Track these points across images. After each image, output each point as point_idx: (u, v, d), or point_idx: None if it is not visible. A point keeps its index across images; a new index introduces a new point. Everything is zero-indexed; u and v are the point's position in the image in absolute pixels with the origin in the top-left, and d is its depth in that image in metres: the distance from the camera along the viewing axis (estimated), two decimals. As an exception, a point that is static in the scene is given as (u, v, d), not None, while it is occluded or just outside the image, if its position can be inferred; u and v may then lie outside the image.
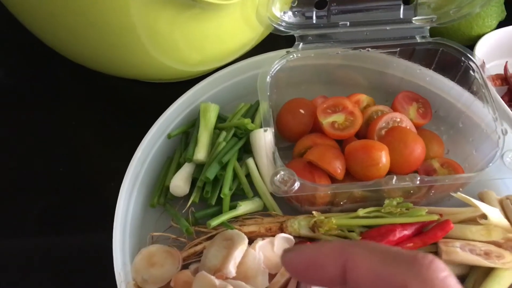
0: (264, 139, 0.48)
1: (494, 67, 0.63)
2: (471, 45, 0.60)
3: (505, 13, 0.62)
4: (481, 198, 0.50)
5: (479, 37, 0.59)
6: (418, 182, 0.43)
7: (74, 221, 0.54)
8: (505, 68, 0.61)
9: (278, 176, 0.43)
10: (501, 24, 0.62)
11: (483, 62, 0.61)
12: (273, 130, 0.46)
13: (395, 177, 0.43)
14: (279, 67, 0.50)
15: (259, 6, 0.46)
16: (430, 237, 0.46)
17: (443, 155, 0.55)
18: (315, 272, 0.23)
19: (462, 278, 0.47)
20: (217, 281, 0.42)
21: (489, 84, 0.55)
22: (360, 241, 0.21)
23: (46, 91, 0.64)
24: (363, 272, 0.21)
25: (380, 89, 0.58)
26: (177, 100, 0.54)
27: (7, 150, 0.60)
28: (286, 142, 0.56)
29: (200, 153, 0.52)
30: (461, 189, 0.50)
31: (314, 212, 0.48)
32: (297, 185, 0.42)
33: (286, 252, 0.24)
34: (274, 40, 0.57)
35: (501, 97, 0.60)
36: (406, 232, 0.47)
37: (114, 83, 0.63)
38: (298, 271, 0.23)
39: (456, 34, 0.61)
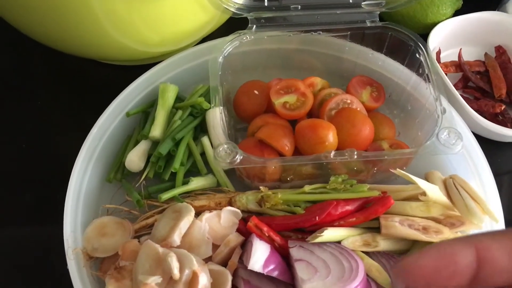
0: (214, 116, 0.49)
1: (450, 55, 0.65)
2: (427, 32, 0.61)
3: (461, 2, 0.63)
4: (427, 178, 0.52)
5: (434, 24, 0.61)
6: (355, 157, 0.45)
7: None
8: (459, 55, 0.63)
9: (221, 149, 0.44)
10: (457, 13, 0.63)
11: (439, 49, 0.63)
12: (221, 108, 0.48)
13: (333, 152, 0.45)
14: (231, 49, 0.52)
15: (208, -13, 0.48)
16: (371, 212, 0.48)
17: (395, 137, 0.56)
18: (446, 271, 0.20)
19: (403, 253, 0.49)
20: (160, 249, 0.44)
21: (437, 66, 0.57)
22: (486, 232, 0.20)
23: (13, 72, 0.66)
24: (501, 260, 0.20)
25: (337, 74, 0.60)
26: (137, 79, 0.56)
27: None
28: (243, 123, 0.58)
29: (156, 131, 0.53)
30: (404, 168, 0.51)
31: (261, 187, 0.50)
32: (238, 157, 0.44)
33: (405, 260, 0.21)
34: (241, 27, 0.59)
35: (456, 83, 0.62)
36: (349, 207, 0.48)
37: (79, 65, 0.65)
38: (426, 274, 0.21)
39: (412, 21, 0.62)
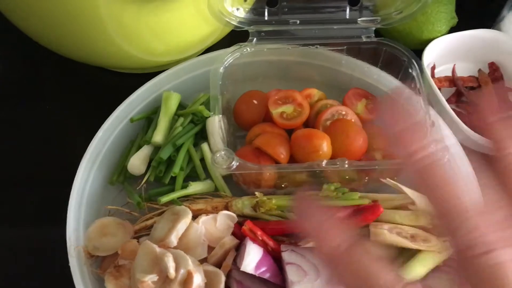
0: (213, 124, 0.52)
1: (445, 71, 0.67)
2: (422, 48, 0.63)
3: (456, 20, 0.66)
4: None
5: (429, 41, 0.63)
6: (346, 166, 0.47)
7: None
8: (453, 70, 0.65)
9: (218, 155, 0.47)
10: (453, 30, 0.66)
11: (434, 64, 0.65)
12: (220, 116, 0.50)
13: (325, 160, 0.47)
14: (232, 60, 0.55)
15: (210, 0, 0.51)
16: (361, 220, 0.50)
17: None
18: None
19: (391, 260, 0.51)
20: (158, 249, 0.46)
21: (430, 80, 0.59)
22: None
23: (24, 79, 0.69)
24: None
25: (334, 86, 0.62)
26: (141, 87, 0.59)
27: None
28: (242, 131, 0.60)
29: (158, 136, 0.56)
30: (395, 178, 0.53)
31: (256, 193, 0.52)
32: (234, 163, 0.46)
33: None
34: (242, 39, 0.61)
35: (449, 98, 0.64)
36: (340, 214, 0.50)
37: (88, 72, 0.68)
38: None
39: (408, 37, 0.65)
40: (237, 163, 0.46)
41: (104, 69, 0.67)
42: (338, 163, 0.47)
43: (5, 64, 0.71)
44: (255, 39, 0.55)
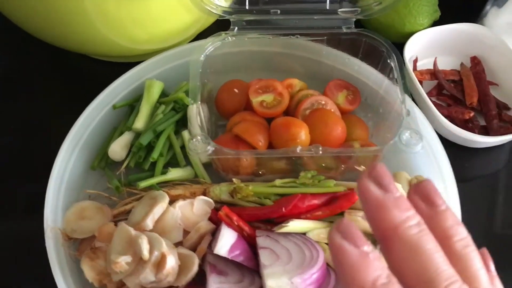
0: (193, 111, 0.52)
1: (427, 64, 0.67)
2: (405, 41, 0.64)
3: (439, 13, 0.66)
4: (395, 177, 0.54)
5: (411, 34, 0.64)
6: (320, 152, 0.47)
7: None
8: (435, 63, 0.65)
9: (194, 140, 0.47)
10: (436, 24, 0.66)
11: (416, 57, 0.66)
12: (199, 103, 0.51)
13: (299, 147, 0.48)
14: (212, 48, 0.55)
15: (190, -11, 0.51)
16: (337, 207, 0.50)
17: (368, 138, 0.59)
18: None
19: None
20: (133, 232, 0.47)
21: (411, 72, 0.60)
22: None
23: (7, 65, 0.70)
24: None
25: (316, 78, 0.62)
26: (124, 74, 0.59)
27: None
28: (224, 121, 0.61)
29: (139, 123, 0.56)
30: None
31: (234, 179, 0.53)
32: (210, 148, 0.47)
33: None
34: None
35: (430, 91, 0.65)
36: (316, 201, 0.51)
37: (72, 59, 0.69)
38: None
39: (390, 30, 0.65)
40: (213, 148, 0.47)
41: (88, 57, 0.68)
42: (312, 149, 0.48)
43: None
44: (236, 28, 0.56)
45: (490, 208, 0.59)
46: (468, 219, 0.56)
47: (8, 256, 0.55)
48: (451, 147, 0.61)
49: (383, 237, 0.25)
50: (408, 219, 0.25)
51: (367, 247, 0.25)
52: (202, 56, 0.55)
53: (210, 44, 0.55)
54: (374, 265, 0.24)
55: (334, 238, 0.25)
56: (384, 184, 0.25)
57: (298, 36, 0.56)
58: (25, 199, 0.59)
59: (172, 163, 0.57)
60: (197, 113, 0.51)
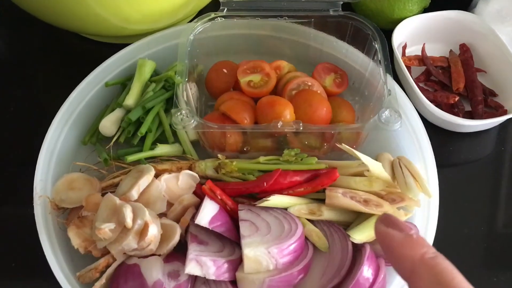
0: (179, 88, 0.54)
1: (417, 51, 0.68)
2: (394, 27, 0.65)
3: (429, 1, 0.67)
4: (378, 158, 0.55)
5: (400, 20, 0.65)
6: (301, 128, 0.49)
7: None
8: (423, 49, 0.66)
9: (178, 113, 0.49)
10: (426, 11, 0.67)
11: (406, 43, 0.67)
12: (186, 80, 0.52)
13: (281, 122, 0.49)
14: (202, 28, 0.57)
15: (179, -32, 0.53)
16: (318, 183, 0.52)
17: (354, 121, 0.60)
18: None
19: (348, 225, 0.52)
20: (118, 201, 0.48)
21: (398, 58, 0.60)
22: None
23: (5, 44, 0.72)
24: None
25: (304, 61, 0.64)
26: (117, 52, 0.61)
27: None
28: (214, 100, 0.62)
29: (130, 100, 0.58)
30: (355, 146, 0.55)
31: (219, 155, 0.54)
32: (193, 122, 0.48)
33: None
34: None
35: (418, 76, 0.66)
36: (298, 178, 0.52)
37: (65, 38, 0.72)
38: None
39: (380, 16, 0.66)
40: (196, 122, 0.48)
41: (82, 37, 0.70)
42: (293, 125, 0.49)
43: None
44: (226, 9, 0.57)
45: (473, 191, 0.60)
46: (452, 202, 0.57)
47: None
48: (437, 131, 0.62)
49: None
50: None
51: (410, 230, 0.29)
52: (192, 35, 0.56)
53: (200, 24, 0.56)
54: (420, 242, 0.29)
55: (380, 227, 0.31)
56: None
57: (286, 18, 0.58)
58: (17, 168, 0.61)
59: (161, 139, 0.59)
60: (183, 89, 0.52)
